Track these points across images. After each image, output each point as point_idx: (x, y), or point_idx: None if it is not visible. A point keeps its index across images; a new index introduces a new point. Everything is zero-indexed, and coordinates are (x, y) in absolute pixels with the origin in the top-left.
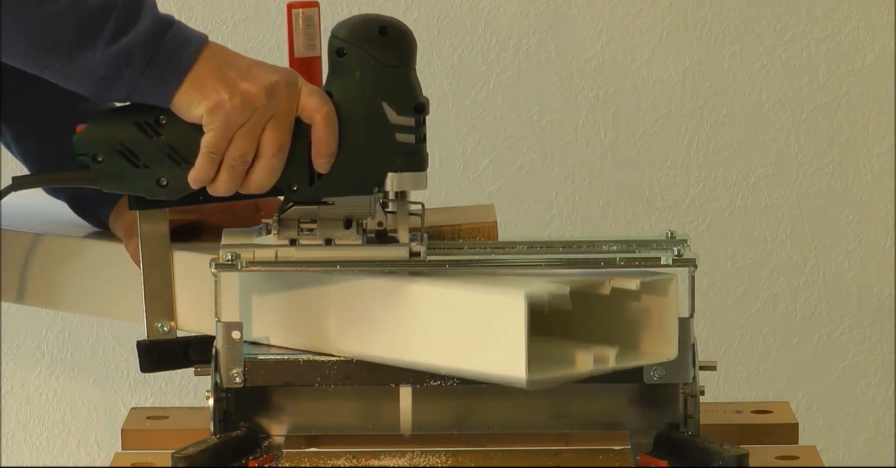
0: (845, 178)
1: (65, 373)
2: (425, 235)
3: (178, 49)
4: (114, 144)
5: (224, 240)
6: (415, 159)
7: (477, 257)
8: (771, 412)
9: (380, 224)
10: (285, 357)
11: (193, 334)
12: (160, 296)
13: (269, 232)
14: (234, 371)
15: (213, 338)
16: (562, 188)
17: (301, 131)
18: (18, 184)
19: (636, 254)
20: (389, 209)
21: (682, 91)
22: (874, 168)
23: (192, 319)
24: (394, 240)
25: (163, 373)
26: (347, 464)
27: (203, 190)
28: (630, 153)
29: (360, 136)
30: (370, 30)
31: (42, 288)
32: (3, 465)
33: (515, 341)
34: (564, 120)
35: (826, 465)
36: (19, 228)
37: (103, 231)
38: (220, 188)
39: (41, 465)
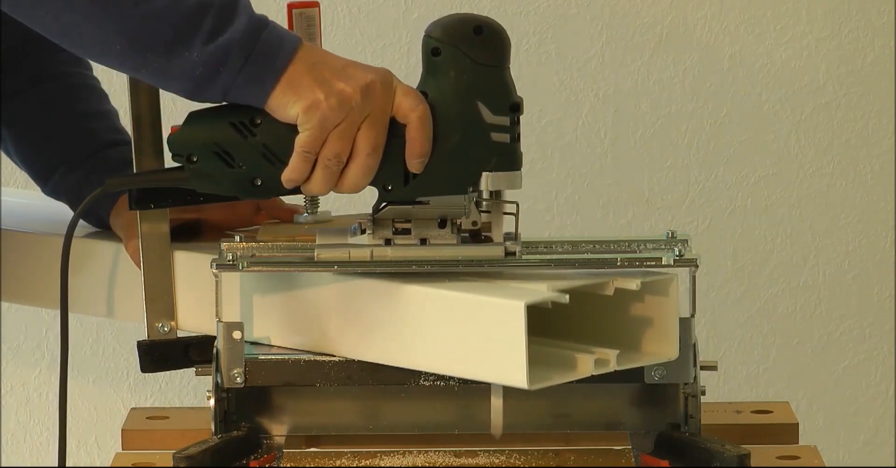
0: (845, 178)
1: None
2: (520, 234)
3: (274, 48)
4: (209, 145)
5: (318, 240)
6: (509, 158)
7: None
8: (771, 412)
9: (474, 223)
10: (286, 357)
11: (194, 334)
12: (160, 296)
13: (363, 231)
14: (235, 371)
15: (214, 338)
16: (562, 188)
17: (396, 131)
18: (111, 185)
19: (637, 254)
20: (483, 208)
21: (682, 91)
22: (874, 168)
23: (192, 319)
24: (488, 240)
25: (163, 373)
26: (348, 464)
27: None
28: (630, 153)
29: (455, 135)
30: (465, 29)
31: (42, 288)
32: (3, 465)
33: (515, 347)
34: (564, 120)
35: (826, 465)
36: (19, 228)
37: (103, 231)
38: (314, 188)
39: (41, 465)
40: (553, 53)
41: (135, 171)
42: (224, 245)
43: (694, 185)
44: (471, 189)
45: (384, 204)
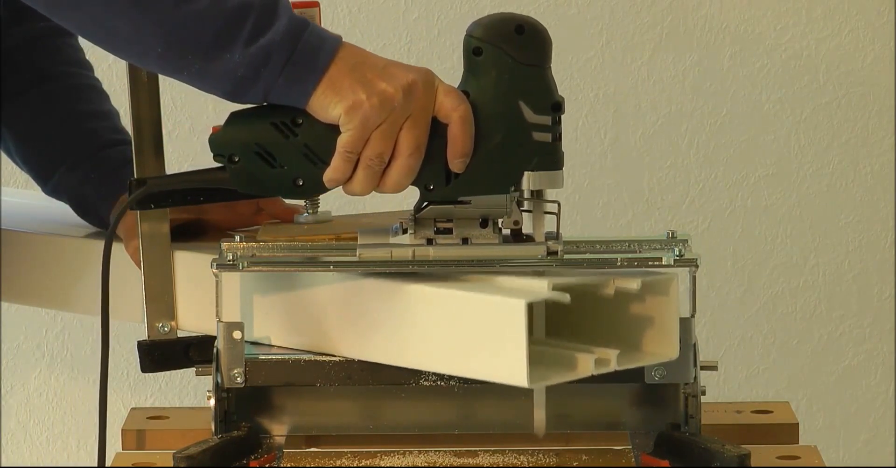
0: (845, 178)
1: (65, 373)
2: (561, 233)
3: (315, 49)
4: (250, 145)
5: (360, 240)
6: (551, 158)
7: (480, 256)
8: (771, 412)
9: (516, 223)
10: (286, 357)
11: (194, 334)
12: (160, 296)
13: (405, 231)
14: (236, 371)
15: (214, 338)
16: (562, 188)
17: (438, 131)
18: (153, 185)
19: (637, 254)
20: (525, 208)
21: (682, 91)
22: (874, 168)
23: (192, 319)
24: (530, 239)
25: (163, 373)
26: (348, 464)
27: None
28: (630, 153)
29: (496, 135)
30: (507, 29)
31: (42, 288)
32: (3, 465)
33: (516, 345)
34: (564, 120)
35: (826, 465)
36: (19, 228)
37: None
38: (356, 188)
39: (41, 465)
40: (553, 53)
41: (135, 171)
42: (224, 245)
43: (694, 185)
44: (512, 188)
45: (426, 203)
